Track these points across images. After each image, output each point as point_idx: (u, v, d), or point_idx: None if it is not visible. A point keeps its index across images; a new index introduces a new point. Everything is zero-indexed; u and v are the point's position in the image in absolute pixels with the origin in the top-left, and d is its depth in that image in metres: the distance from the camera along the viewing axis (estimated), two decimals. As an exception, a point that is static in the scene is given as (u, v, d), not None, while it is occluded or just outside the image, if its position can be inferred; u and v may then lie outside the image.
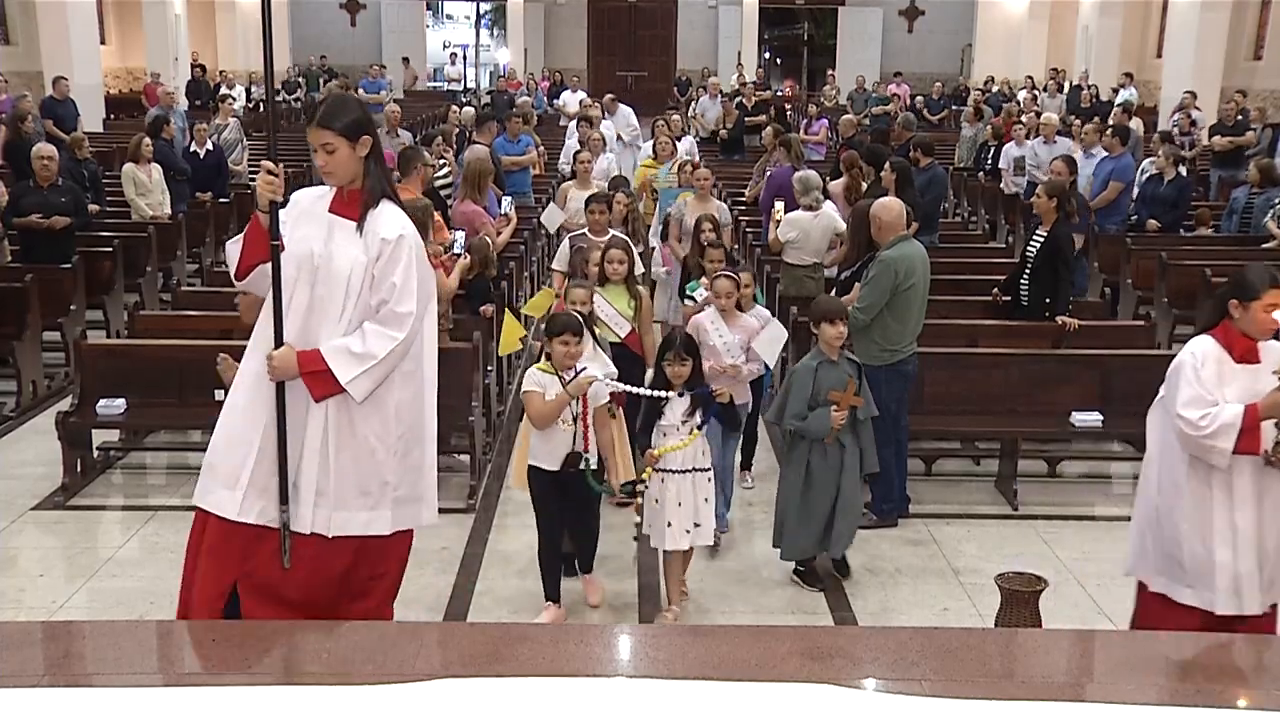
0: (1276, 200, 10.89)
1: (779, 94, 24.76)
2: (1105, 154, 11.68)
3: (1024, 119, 15.09)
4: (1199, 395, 4.10)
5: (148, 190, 11.31)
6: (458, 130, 13.59)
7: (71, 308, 8.94)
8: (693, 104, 20.87)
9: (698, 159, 11.47)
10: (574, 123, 13.73)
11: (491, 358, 7.58)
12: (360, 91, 21.16)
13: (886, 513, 6.42)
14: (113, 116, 21.55)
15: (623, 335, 6.35)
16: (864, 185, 9.04)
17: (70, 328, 8.82)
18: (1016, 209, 12.94)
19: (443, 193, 9.31)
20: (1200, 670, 3.39)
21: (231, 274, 4.04)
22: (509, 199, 9.44)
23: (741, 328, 6.02)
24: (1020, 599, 4.48)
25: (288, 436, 3.84)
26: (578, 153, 10.37)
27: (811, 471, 5.54)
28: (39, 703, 2.86)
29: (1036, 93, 22.33)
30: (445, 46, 33.48)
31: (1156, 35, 24.84)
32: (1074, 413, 6.93)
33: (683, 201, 9.01)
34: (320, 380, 3.79)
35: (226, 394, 4.05)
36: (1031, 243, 7.63)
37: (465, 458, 6.86)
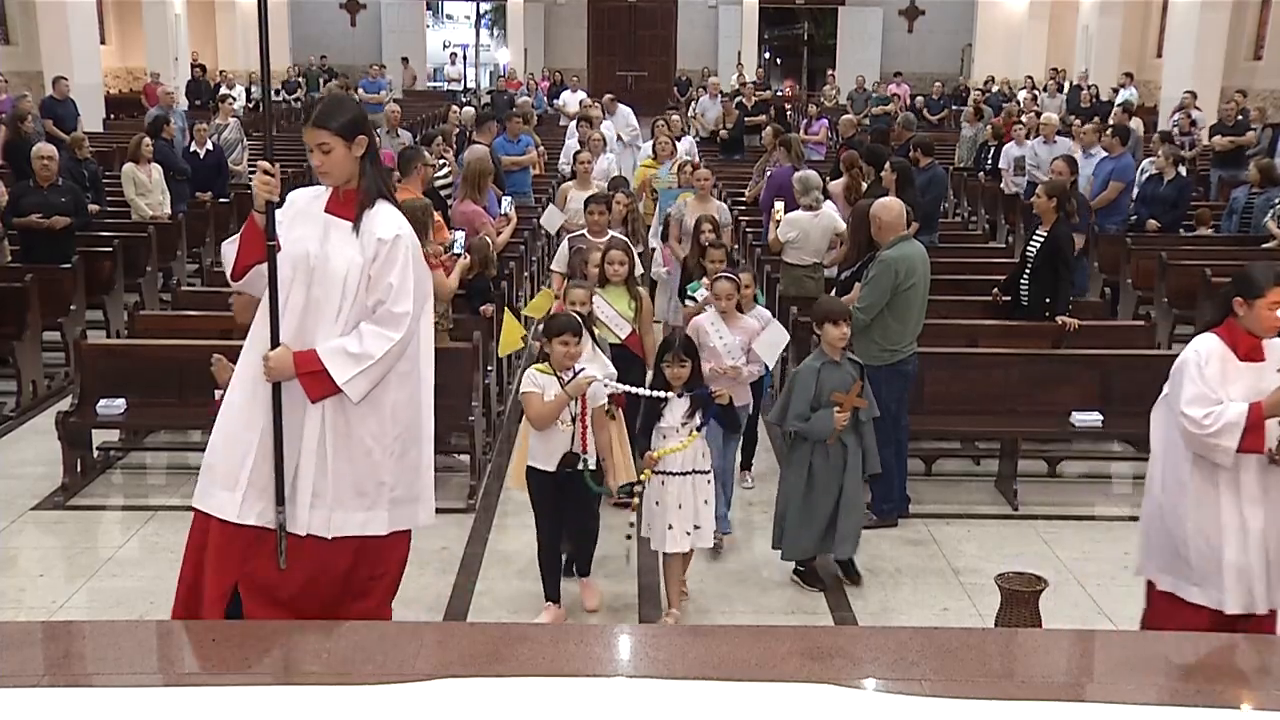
0: (1276, 200, 10.89)
1: (779, 94, 24.76)
2: (1104, 154, 11.69)
3: (1024, 119, 15.09)
4: (1203, 393, 4.09)
5: (148, 190, 11.31)
6: (458, 130, 13.60)
7: (71, 308, 8.94)
8: (693, 104, 20.88)
9: (697, 159, 11.47)
10: (574, 123, 13.73)
11: (491, 358, 7.57)
12: (360, 91, 21.17)
13: (886, 513, 6.42)
14: (113, 116, 21.56)
15: (623, 337, 6.34)
16: (864, 185, 9.04)
17: (70, 328, 8.81)
18: (1016, 209, 12.94)
19: (443, 193, 9.31)
20: (1201, 670, 3.39)
21: (227, 274, 4.03)
22: (509, 199, 9.44)
23: (742, 329, 6.00)
24: (1020, 599, 4.48)
25: (284, 437, 3.84)
26: (578, 153, 10.34)
27: (814, 472, 5.53)
28: (39, 703, 2.86)
29: (1036, 93, 22.35)
30: (445, 46, 33.50)
31: (1156, 35, 24.85)
32: (1074, 413, 6.93)
33: (683, 202, 9.01)
34: (317, 381, 3.79)
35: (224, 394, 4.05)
36: (1031, 243, 7.63)
37: (465, 458, 6.86)
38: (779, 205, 8.63)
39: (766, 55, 34.46)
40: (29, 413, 8.12)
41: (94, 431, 7.03)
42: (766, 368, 6.33)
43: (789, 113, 20.35)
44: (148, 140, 11.44)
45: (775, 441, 7.41)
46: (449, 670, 3.09)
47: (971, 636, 3.78)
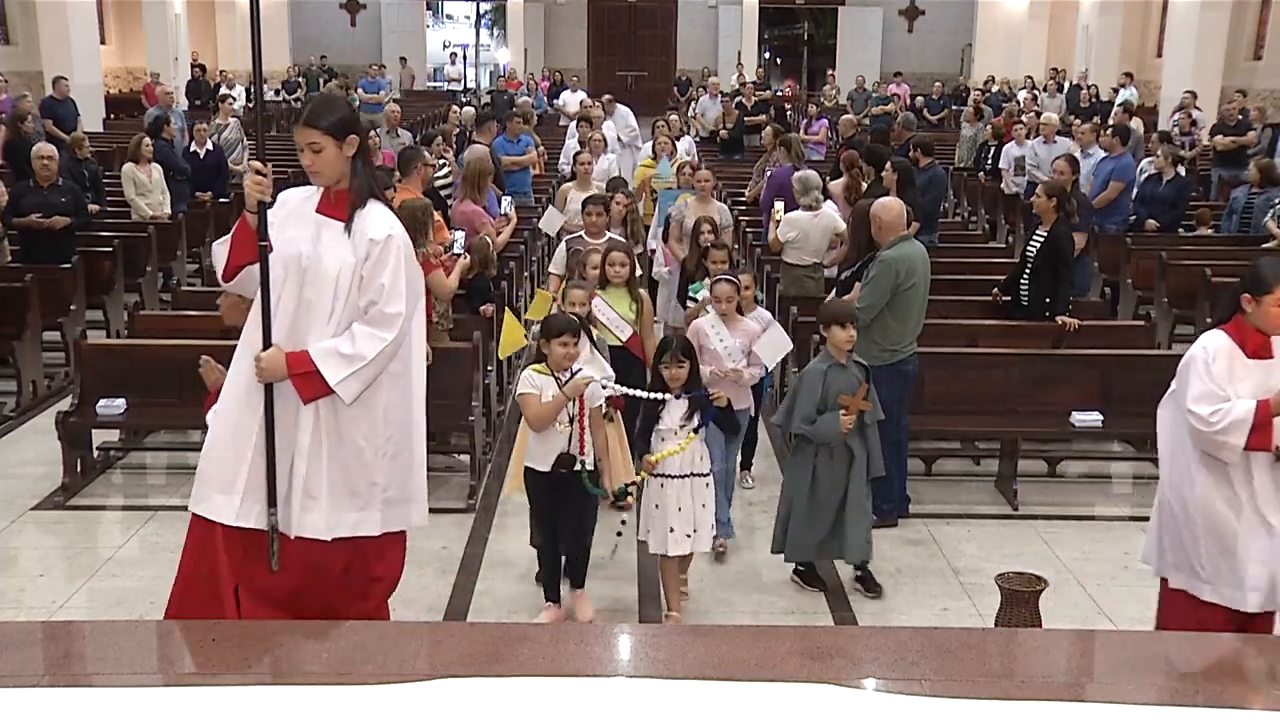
0: (1276, 200, 10.89)
1: (779, 94, 24.74)
2: (1103, 154, 11.70)
3: (1024, 119, 15.10)
4: (1210, 390, 4.06)
5: (148, 190, 11.31)
6: (458, 130, 13.60)
7: (71, 308, 8.94)
8: (693, 104, 20.89)
9: (696, 159, 11.46)
10: (574, 123, 13.72)
11: (491, 358, 7.57)
12: (360, 91, 21.17)
13: (886, 513, 6.41)
14: (113, 116, 21.56)
15: (624, 339, 6.30)
16: (864, 185, 9.04)
17: (70, 328, 8.81)
18: (1016, 209, 12.94)
19: (443, 193, 9.31)
20: (1200, 670, 3.39)
21: (219, 275, 4.03)
22: (509, 199, 9.43)
23: (742, 331, 5.97)
24: (1020, 599, 4.48)
25: (276, 438, 3.83)
26: (578, 153, 10.31)
27: (818, 475, 5.50)
28: (39, 703, 2.86)
29: (1036, 93, 22.34)
30: (445, 46, 33.52)
31: (1156, 35, 24.85)
32: (1074, 413, 6.92)
33: (683, 203, 9.00)
34: (309, 382, 3.78)
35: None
36: (1031, 243, 7.63)
37: (465, 458, 6.86)
38: (779, 205, 8.63)
39: (766, 55, 34.46)
40: (29, 413, 8.12)
41: (94, 431, 7.03)
42: (766, 369, 6.32)
43: (789, 113, 20.35)
44: (148, 140, 11.45)
45: (776, 443, 7.41)
46: (449, 670, 3.09)
47: (971, 636, 3.77)
